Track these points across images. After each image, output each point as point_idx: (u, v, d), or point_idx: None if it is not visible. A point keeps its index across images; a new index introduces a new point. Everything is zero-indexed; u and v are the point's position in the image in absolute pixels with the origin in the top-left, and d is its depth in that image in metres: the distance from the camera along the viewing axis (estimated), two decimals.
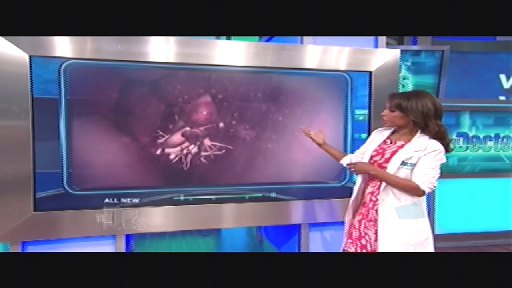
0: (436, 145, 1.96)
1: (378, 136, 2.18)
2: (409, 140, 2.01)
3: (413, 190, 1.96)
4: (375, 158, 2.09)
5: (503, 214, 4.28)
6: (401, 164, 1.98)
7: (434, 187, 1.98)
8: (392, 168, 1.99)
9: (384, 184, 2.02)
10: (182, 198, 2.66)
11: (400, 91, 2.55)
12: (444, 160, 2.00)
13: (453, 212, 4.20)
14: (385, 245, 2.01)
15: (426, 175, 1.95)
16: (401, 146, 2.02)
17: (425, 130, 1.98)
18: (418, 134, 2.00)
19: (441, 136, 1.99)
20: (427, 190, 1.96)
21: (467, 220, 4.23)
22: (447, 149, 2.01)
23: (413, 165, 1.97)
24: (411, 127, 2.02)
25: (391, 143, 2.09)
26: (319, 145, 2.39)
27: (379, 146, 2.12)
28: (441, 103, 2.03)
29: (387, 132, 2.15)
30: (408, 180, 1.97)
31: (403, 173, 1.98)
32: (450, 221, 4.19)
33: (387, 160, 2.03)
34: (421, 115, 1.96)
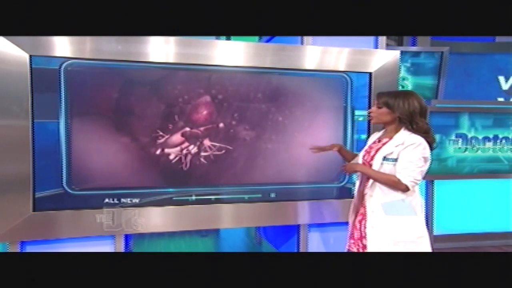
0: (414, 139, 2.00)
1: (371, 138, 2.27)
2: (392, 137, 2.08)
3: (395, 185, 1.99)
4: (365, 158, 2.18)
5: (502, 215, 4.28)
6: (383, 160, 2.04)
7: (417, 180, 1.99)
8: (376, 164, 2.06)
9: (371, 180, 2.08)
10: (181, 198, 2.66)
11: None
12: (427, 155, 2.01)
13: (452, 213, 4.21)
14: (373, 241, 2.03)
15: (405, 169, 1.98)
16: (385, 143, 2.09)
17: (410, 127, 2.04)
18: (401, 130, 2.06)
19: (424, 132, 2.04)
20: (409, 184, 1.97)
21: (466, 221, 4.23)
22: (431, 147, 2.05)
23: (394, 160, 2.02)
24: (396, 124, 2.08)
25: (378, 142, 2.17)
26: (338, 150, 2.46)
27: (369, 146, 2.21)
28: (426, 103, 2.12)
29: (378, 134, 2.24)
30: (390, 174, 2.01)
31: (387, 169, 2.03)
32: (449, 222, 4.19)
33: (373, 158, 2.10)
34: (407, 113, 2.03)
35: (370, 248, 2.04)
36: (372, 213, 2.06)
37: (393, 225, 2.01)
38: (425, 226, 2.08)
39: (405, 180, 1.97)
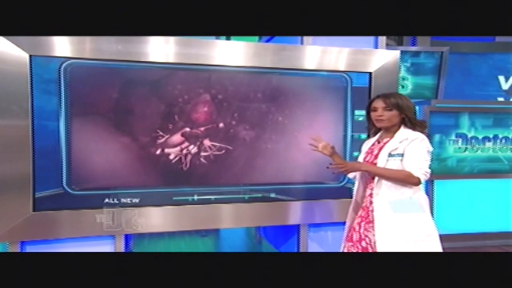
0: (417, 134, 2.04)
1: (367, 144, 2.26)
2: (393, 136, 2.10)
3: (408, 178, 1.99)
4: (367, 159, 2.17)
5: (501, 215, 4.28)
6: (388, 157, 2.04)
7: (427, 173, 2.01)
8: (381, 162, 2.06)
9: (376, 178, 2.07)
10: (181, 198, 2.66)
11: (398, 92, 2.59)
12: (430, 148, 2.05)
13: (452, 213, 4.20)
14: (382, 240, 2.02)
15: (416, 162, 1.99)
16: (387, 142, 2.11)
17: (411, 125, 2.07)
18: (401, 128, 2.09)
19: (424, 128, 2.10)
20: (421, 177, 1.98)
21: (466, 220, 4.23)
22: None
23: (400, 155, 2.03)
24: (398, 124, 2.11)
25: (378, 143, 2.17)
26: (330, 155, 2.25)
27: (369, 148, 2.21)
28: None
29: (374, 138, 2.24)
30: (400, 170, 2.01)
31: (393, 165, 2.04)
32: (449, 222, 4.19)
33: (376, 156, 2.10)
34: (411, 112, 2.09)
35: (380, 248, 2.02)
36: (379, 212, 2.04)
37: (402, 224, 2.00)
38: (434, 224, 2.08)
39: (418, 173, 1.97)
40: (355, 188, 2.28)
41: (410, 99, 2.13)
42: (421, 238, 2.01)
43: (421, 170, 1.98)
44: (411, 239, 2.00)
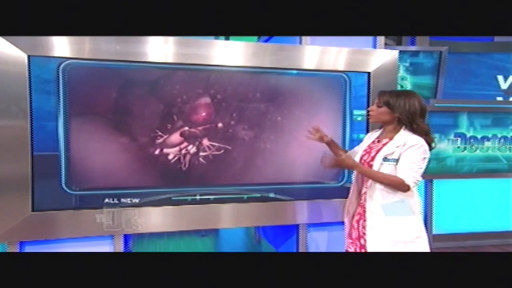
0: (416, 140, 2.00)
1: (369, 137, 2.26)
2: (392, 137, 2.07)
3: (399, 185, 1.99)
4: (364, 158, 2.17)
5: (501, 215, 4.29)
6: (383, 160, 2.04)
7: (418, 181, 2.01)
8: (376, 165, 2.06)
9: (370, 180, 2.08)
10: (181, 198, 2.66)
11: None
12: (427, 155, 2.02)
13: (451, 213, 4.21)
14: (372, 242, 2.03)
15: (409, 169, 1.98)
16: (386, 144, 2.09)
17: (410, 128, 2.04)
18: (401, 131, 2.06)
19: (424, 134, 2.04)
20: (412, 185, 1.98)
21: (465, 220, 4.24)
22: (430, 147, 2.06)
23: (395, 160, 2.01)
24: (395, 124, 2.08)
25: (378, 142, 2.16)
26: (327, 142, 2.44)
27: (368, 146, 2.20)
28: (426, 104, 2.12)
29: (376, 133, 2.23)
30: (393, 175, 2.00)
31: (387, 169, 2.03)
32: (448, 221, 4.20)
33: (373, 158, 2.09)
34: (407, 113, 2.03)
35: (370, 249, 2.04)
36: (372, 215, 2.06)
37: (393, 226, 2.02)
38: (423, 226, 2.09)
39: (409, 181, 1.97)
40: (353, 179, 2.28)
41: (417, 101, 2.04)
42: (410, 240, 2.03)
43: (413, 178, 1.98)
44: (400, 241, 2.01)
